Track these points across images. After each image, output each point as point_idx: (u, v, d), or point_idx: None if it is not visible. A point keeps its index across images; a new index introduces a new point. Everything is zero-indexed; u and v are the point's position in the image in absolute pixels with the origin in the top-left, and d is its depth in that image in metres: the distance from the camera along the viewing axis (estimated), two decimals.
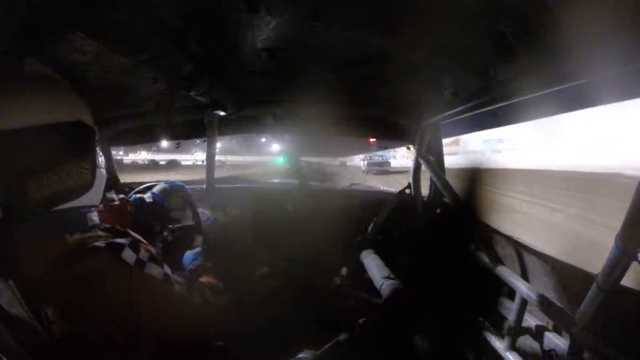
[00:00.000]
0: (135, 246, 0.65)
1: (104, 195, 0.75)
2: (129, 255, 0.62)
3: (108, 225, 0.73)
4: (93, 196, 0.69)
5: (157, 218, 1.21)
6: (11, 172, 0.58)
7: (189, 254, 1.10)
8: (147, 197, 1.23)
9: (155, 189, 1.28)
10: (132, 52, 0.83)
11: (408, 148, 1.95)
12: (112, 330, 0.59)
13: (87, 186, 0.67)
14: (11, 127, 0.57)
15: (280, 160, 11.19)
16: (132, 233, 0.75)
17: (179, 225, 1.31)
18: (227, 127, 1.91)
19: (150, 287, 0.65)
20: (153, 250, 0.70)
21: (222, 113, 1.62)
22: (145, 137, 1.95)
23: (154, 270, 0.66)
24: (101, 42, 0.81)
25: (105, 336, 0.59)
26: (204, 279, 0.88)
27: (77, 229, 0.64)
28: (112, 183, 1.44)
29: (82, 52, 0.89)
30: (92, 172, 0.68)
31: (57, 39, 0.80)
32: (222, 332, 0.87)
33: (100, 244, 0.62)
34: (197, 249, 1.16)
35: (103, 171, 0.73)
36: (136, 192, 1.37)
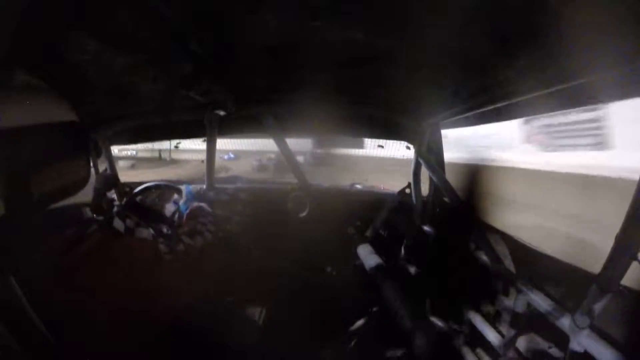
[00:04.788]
0: (122, 216, 0.72)
1: (101, 195, 0.78)
2: (119, 224, 0.70)
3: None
4: (85, 193, 0.72)
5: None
6: (13, 168, 0.59)
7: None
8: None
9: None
10: (132, 51, 0.83)
11: (408, 148, 1.95)
12: (115, 301, 0.62)
13: (84, 182, 0.70)
14: (12, 125, 0.58)
15: None
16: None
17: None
18: (227, 126, 1.91)
19: (142, 247, 0.71)
20: (138, 219, 0.78)
21: (222, 113, 1.62)
22: (145, 136, 1.95)
23: (142, 232, 0.74)
24: (101, 42, 0.81)
25: (109, 311, 0.62)
26: (180, 230, 0.92)
27: (75, 224, 0.67)
28: (112, 183, 1.44)
29: (82, 52, 0.89)
30: (87, 168, 0.71)
31: (57, 39, 0.80)
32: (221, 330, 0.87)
33: (93, 229, 0.67)
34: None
35: (92, 171, 0.76)
36: (136, 193, 1.36)
